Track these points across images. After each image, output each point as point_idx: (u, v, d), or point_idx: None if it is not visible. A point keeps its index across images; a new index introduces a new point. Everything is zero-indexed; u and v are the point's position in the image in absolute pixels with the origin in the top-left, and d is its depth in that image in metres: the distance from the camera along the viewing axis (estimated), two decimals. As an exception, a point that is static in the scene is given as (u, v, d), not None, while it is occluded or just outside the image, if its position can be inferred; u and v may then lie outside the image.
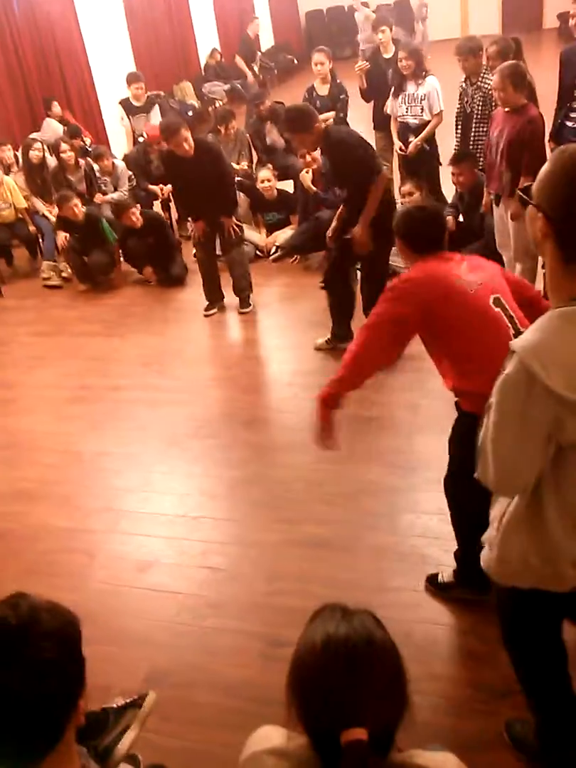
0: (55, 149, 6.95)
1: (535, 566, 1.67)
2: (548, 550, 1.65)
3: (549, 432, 1.49)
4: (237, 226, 5.21)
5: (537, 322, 1.50)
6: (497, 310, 2.31)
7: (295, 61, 15.30)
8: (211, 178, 4.88)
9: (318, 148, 4.39)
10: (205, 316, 5.50)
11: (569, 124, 4.59)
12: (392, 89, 5.80)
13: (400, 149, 5.90)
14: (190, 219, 5.59)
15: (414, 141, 5.77)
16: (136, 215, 6.01)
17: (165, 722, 2.49)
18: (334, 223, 4.49)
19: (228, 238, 5.23)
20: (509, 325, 2.28)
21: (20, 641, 1.10)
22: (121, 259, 6.36)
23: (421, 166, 5.86)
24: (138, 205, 6.26)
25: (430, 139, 5.82)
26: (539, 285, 4.52)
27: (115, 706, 1.90)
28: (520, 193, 1.60)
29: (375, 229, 4.16)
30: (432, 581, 2.83)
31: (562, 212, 1.43)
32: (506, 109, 4.26)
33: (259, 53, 9.81)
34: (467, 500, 2.65)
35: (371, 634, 1.14)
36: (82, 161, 6.86)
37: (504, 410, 1.52)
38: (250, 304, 5.43)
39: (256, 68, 9.85)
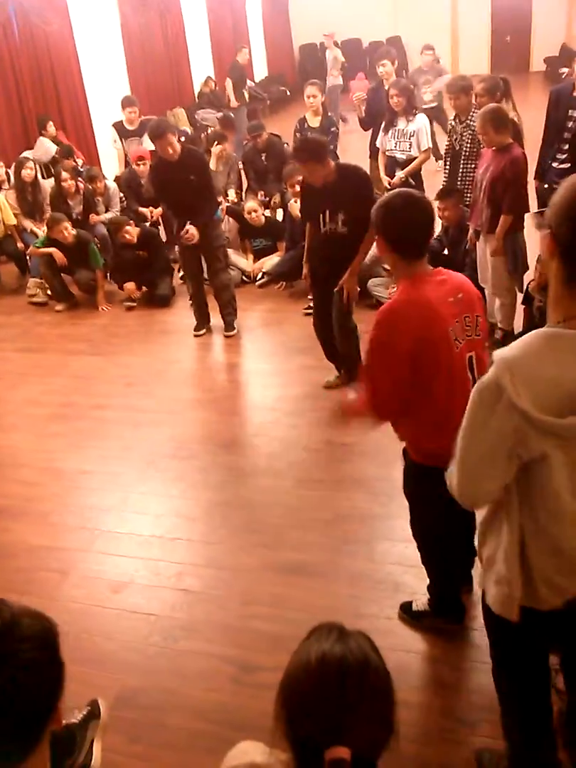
0: (48, 171, 7.01)
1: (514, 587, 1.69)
2: (528, 570, 1.67)
3: (512, 445, 1.53)
4: (223, 250, 5.27)
5: (524, 337, 1.55)
6: (468, 374, 2.28)
7: (288, 93, 15.58)
8: (193, 183, 4.96)
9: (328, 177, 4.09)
10: (195, 336, 5.58)
11: (555, 165, 4.70)
12: (383, 124, 5.92)
13: (388, 183, 6.01)
14: (180, 231, 5.62)
15: (399, 174, 5.88)
16: (130, 233, 6.08)
17: (134, 744, 2.47)
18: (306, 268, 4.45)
19: (210, 252, 5.28)
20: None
21: (2, 644, 1.11)
22: (106, 279, 6.38)
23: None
24: (132, 222, 6.32)
25: (416, 175, 5.93)
26: (518, 320, 4.63)
27: (75, 721, 1.89)
28: (537, 217, 1.68)
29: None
30: (406, 609, 2.85)
31: (568, 235, 1.49)
32: (493, 148, 4.38)
33: (250, 83, 9.97)
34: (428, 542, 2.70)
35: (367, 655, 1.14)
36: (80, 186, 6.91)
37: (472, 418, 1.58)
38: (234, 328, 5.49)
39: (245, 95, 9.98)
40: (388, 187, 5.99)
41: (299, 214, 4.73)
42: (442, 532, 2.60)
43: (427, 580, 2.95)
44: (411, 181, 5.87)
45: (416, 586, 2.96)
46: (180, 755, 2.42)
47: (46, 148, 8.20)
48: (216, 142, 7.20)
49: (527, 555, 1.66)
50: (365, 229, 3.94)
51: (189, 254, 5.32)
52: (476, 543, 1.85)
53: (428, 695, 2.58)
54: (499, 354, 1.54)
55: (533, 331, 1.56)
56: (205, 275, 5.51)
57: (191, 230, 5.04)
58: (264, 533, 3.40)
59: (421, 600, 2.83)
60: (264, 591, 3.06)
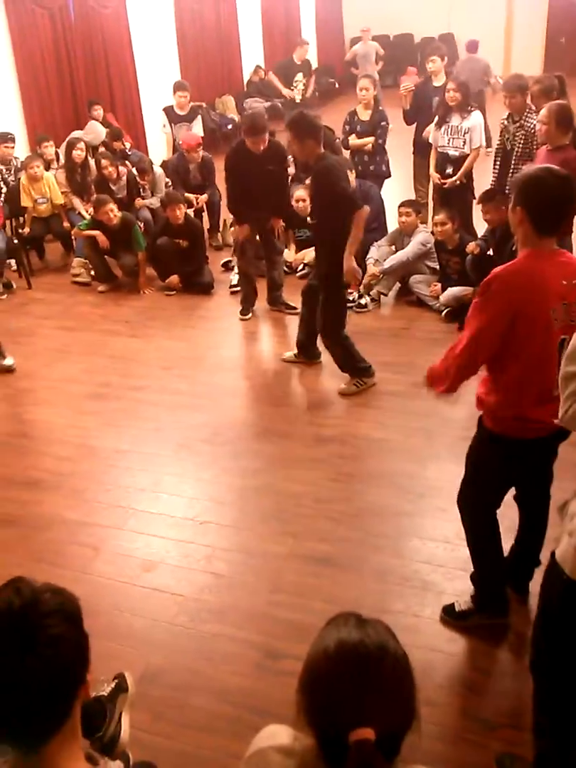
0: (95, 152, 7.08)
1: None
2: None
3: None
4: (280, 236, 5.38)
5: None
6: (557, 356, 2.23)
7: (337, 85, 15.49)
8: (273, 176, 5.05)
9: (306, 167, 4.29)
10: (241, 320, 5.68)
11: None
12: (436, 119, 5.87)
13: (439, 180, 5.95)
14: (234, 223, 5.71)
15: (453, 174, 5.80)
16: (181, 209, 6.10)
17: (157, 722, 2.51)
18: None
19: (272, 240, 5.44)
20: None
21: (27, 622, 1.13)
22: (146, 266, 6.44)
23: (455, 197, 5.92)
24: (185, 203, 6.35)
25: (467, 173, 5.88)
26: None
27: (105, 693, 1.92)
28: None
29: (337, 258, 4.14)
30: (449, 612, 2.81)
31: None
32: (548, 148, 4.32)
33: (300, 75, 9.82)
34: (478, 514, 2.68)
35: (384, 641, 1.16)
36: (123, 169, 6.98)
37: None
38: (292, 305, 5.58)
39: (297, 89, 9.87)
40: (438, 182, 5.96)
41: None
42: (494, 502, 2.63)
43: (455, 581, 2.96)
44: (463, 180, 5.82)
45: (444, 586, 2.96)
46: (202, 736, 2.45)
47: (96, 131, 8.28)
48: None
49: None
50: (339, 223, 4.02)
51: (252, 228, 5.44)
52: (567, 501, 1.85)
53: (451, 695, 2.58)
54: None
55: None
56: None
57: (243, 230, 5.30)
58: (293, 523, 3.41)
59: (463, 600, 2.81)
60: (291, 580, 3.07)
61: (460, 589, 2.90)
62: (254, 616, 2.92)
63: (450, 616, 2.80)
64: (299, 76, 9.47)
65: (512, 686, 2.56)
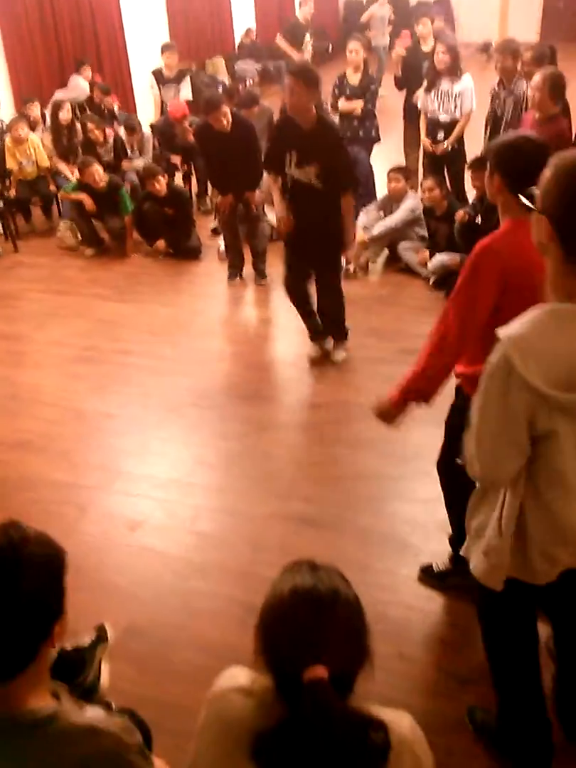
0: (82, 110, 6.97)
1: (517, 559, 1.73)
2: (524, 542, 1.70)
3: (527, 422, 1.54)
4: (261, 203, 5.33)
5: (528, 314, 1.55)
6: None
7: (330, 49, 15.23)
8: (241, 152, 5.01)
9: (307, 118, 3.87)
10: (229, 284, 5.70)
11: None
12: (425, 83, 5.81)
13: (431, 145, 5.91)
14: (213, 193, 5.70)
15: (444, 140, 5.77)
16: (161, 183, 6.05)
17: (141, 674, 2.58)
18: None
19: (250, 211, 5.40)
20: None
21: (6, 565, 1.18)
22: (133, 229, 6.39)
23: (448, 163, 5.89)
24: (165, 175, 6.30)
25: (459, 138, 5.84)
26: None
27: (85, 643, 1.98)
28: (524, 199, 1.66)
29: (336, 239, 4.13)
30: (427, 572, 2.88)
31: (565, 218, 1.49)
32: (537, 116, 4.30)
33: (308, 35, 9.53)
34: (458, 481, 2.72)
35: (336, 585, 1.24)
36: (109, 132, 6.89)
37: (487, 397, 1.58)
38: (266, 276, 5.62)
39: (306, 50, 9.59)
40: (429, 148, 5.92)
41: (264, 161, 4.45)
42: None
43: (434, 541, 3.02)
44: (455, 145, 5.79)
45: (423, 546, 3.03)
46: (185, 687, 2.52)
47: (80, 86, 8.13)
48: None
49: (526, 527, 1.68)
50: (340, 185, 3.95)
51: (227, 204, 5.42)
52: (466, 516, 1.88)
53: (427, 651, 2.66)
54: (504, 332, 1.53)
55: (536, 308, 1.55)
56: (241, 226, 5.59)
57: (225, 201, 5.27)
58: (277, 484, 3.47)
59: (441, 560, 2.87)
60: (274, 539, 3.13)
61: (438, 550, 2.95)
62: (238, 574, 2.98)
63: (428, 575, 2.87)
64: (308, 37, 9.27)
65: (486, 642, 2.64)
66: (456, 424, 2.63)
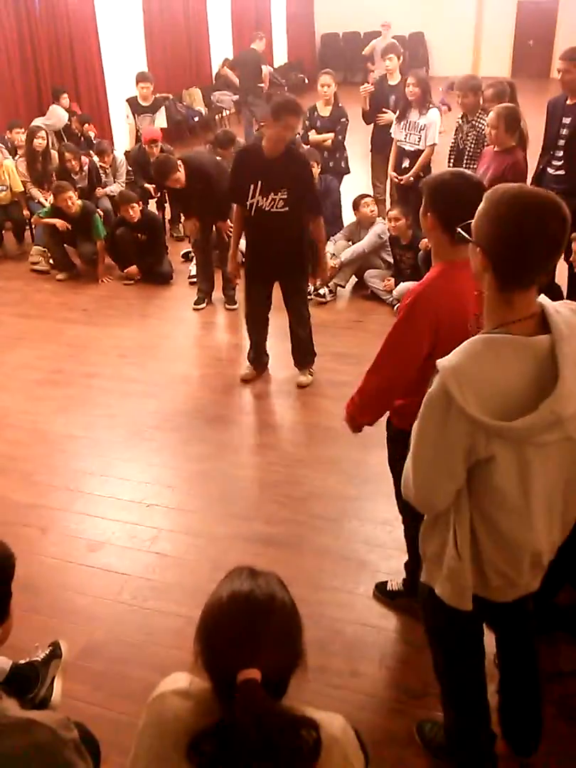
0: (60, 138, 7.07)
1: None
2: (480, 563, 1.75)
3: (464, 450, 1.59)
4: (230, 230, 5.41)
5: (463, 344, 1.61)
6: None
7: (306, 81, 15.57)
8: (203, 195, 5.19)
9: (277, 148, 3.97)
10: (195, 309, 5.78)
11: (550, 171, 4.79)
12: (397, 114, 5.99)
13: (396, 177, 6.07)
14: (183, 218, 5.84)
15: (409, 169, 5.93)
16: (135, 210, 6.13)
17: (95, 692, 2.58)
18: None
19: (222, 239, 5.54)
20: None
21: None
22: (105, 254, 6.45)
23: (413, 194, 6.04)
24: (139, 202, 6.38)
25: (426, 168, 6.00)
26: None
27: (39, 658, 2.00)
28: (460, 231, 1.72)
29: (302, 265, 4.29)
30: (381, 589, 2.93)
31: (498, 248, 1.56)
32: (495, 149, 4.47)
33: (271, 69, 9.90)
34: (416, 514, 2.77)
35: (273, 591, 1.28)
36: (85, 160, 6.99)
37: (424, 426, 1.63)
38: (236, 302, 5.71)
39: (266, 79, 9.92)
40: (395, 179, 6.08)
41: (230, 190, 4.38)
42: None
43: (391, 560, 3.07)
44: (421, 174, 5.94)
45: (380, 565, 3.08)
46: (139, 706, 2.45)
47: (58, 115, 8.25)
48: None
49: (479, 547, 1.72)
50: (308, 210, 4.08)
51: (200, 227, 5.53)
52: (420, 541, 1.91)
53: (380, 667, 2.69)
54: (441, 363, 1.58)
55: (470, 339, 1.60)
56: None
57: (189, 224, 5.47)
58: (239, 505, 3.51)
59: (396, 581, 2.92)
60: (233, 559, 3.11)
61: (395, 569, 3.01)
62: (196, 593, 2.98)
63: (381, 592, 2.92)
64: (264, 69, 9.54)
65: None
66: (391, 454, 2.72)
